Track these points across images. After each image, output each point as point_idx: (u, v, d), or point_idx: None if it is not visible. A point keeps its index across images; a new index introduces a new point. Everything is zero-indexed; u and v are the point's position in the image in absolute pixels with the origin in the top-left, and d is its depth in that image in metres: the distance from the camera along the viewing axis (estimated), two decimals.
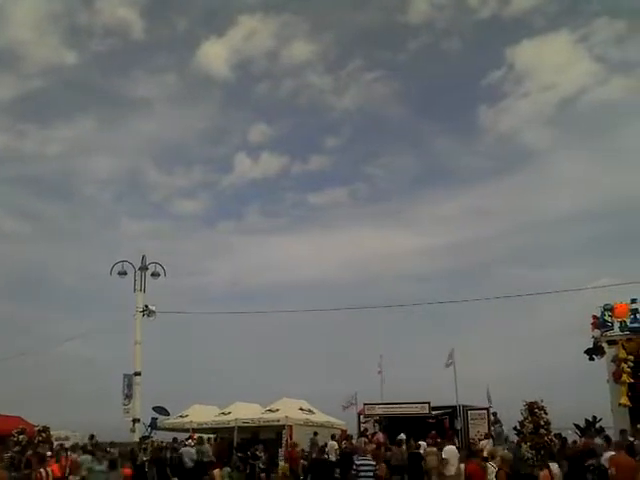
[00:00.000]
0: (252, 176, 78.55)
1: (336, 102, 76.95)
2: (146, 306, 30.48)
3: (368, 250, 72.12)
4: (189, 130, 79.40)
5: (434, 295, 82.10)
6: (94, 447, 23.55)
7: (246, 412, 29.40)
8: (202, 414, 31.07)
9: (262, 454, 23.84)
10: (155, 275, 31.54)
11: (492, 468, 13.09)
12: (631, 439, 17.69)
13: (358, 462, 14.70)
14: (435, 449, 19.41)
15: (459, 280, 66.61)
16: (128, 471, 19.75)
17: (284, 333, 56.42)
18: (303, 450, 24.28)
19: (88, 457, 20.11)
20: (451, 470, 16.45)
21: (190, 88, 76.44)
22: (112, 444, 25.74)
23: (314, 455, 20.01)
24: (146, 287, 31.13)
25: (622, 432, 19.02)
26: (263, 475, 22.09)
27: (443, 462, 17.50)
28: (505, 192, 67.22)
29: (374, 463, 14.69)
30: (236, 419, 28.40)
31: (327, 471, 16.35)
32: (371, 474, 13.96)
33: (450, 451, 17.33)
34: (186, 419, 30.78)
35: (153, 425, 31.46)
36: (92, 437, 26.59)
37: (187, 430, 29.59)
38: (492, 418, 24.52)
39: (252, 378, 47.57)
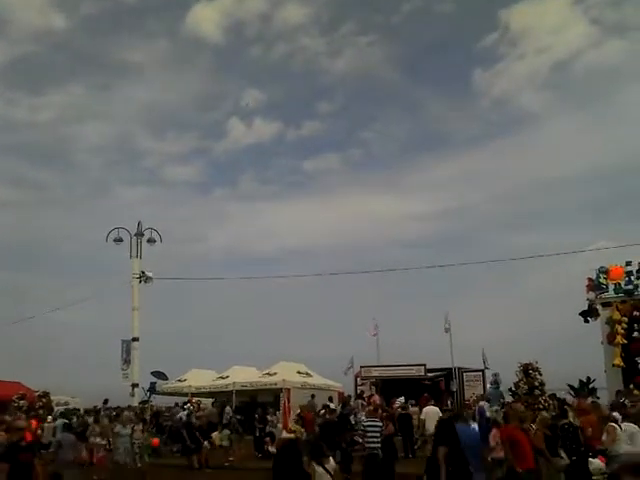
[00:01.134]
0: (246, 142, 77.98)
1: (330, 66, 75.92)
2: (143, 272, 30.50)
3: (363, 215, 72.10)
4: (181, 95, 78.58)
5: (429, 260, 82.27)
6: (105, 411, 24.35)
7: (244, 376, 29.68)
8: (200, 378, 31.37)
9: (274, 417, 24.01)
10: (151, 241, 31.47)
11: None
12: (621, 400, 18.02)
13: (366, 423, 15.22)
14: (417, 409, 20.97)
15: (454, 245, 66.81)
16: (157, 441, 20.26)
17: (281, 298, 56.82)
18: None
19: (65, 421, 20.64)
20: (430, 429, 16.96)
21: (181, 52, 75.37)
22: (125, 409, 26.07)
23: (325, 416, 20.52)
24: (142, 253, 31.14)
25: (618, 393, 19.37)
26: (267, 439, 22.31)
27: (420, 422, 18.65)
28: (500, 156, 66.99)
29: (381, 424, 15.19)
30: (234, 383, 28.69)
31: (336, 431, 16.83)
32: (378, 434, 14.45)
33: (429, 411, 18.15)
34: (184, 383, 31.10)
35: (152, 389, 31.79)
36: (106, 402, 27.30)
37: (185, 394, 29.97)
38: (492, 378, 24.82)
39: (250, 343, 48.05)
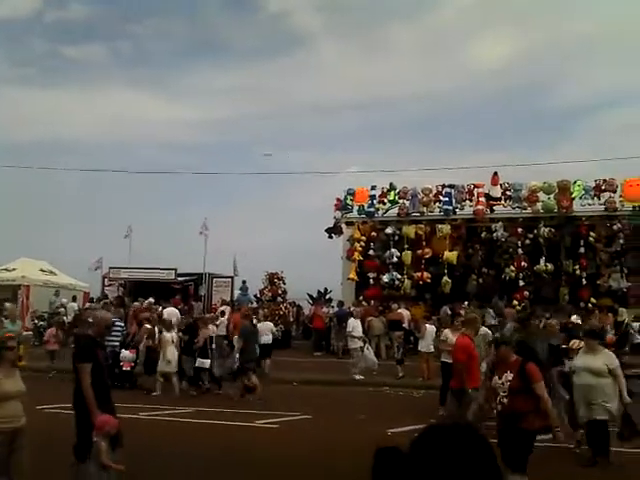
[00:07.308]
0: None
1: None
2: None
3: (128, 114, 67.75)
4: None
5: (196, 167, 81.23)
6: None
7: None
8: None
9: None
10: None
11: None
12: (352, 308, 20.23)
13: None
14: None
15: (222, 155, 66.34)
16: None
17: (30, 192, 51.86)
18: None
19: None
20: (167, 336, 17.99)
21: None
22: None
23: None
24: None
25: (340, 303, 21.88)
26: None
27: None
28: (273, 74, 66.59)
29: (123, 324, 16.98)
30: None
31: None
32: (119, 333, 16.01)
33: (170, 312, 18.87)
34: None
35: None
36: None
37: None
38: (241, 285, 25.94)
39: None
